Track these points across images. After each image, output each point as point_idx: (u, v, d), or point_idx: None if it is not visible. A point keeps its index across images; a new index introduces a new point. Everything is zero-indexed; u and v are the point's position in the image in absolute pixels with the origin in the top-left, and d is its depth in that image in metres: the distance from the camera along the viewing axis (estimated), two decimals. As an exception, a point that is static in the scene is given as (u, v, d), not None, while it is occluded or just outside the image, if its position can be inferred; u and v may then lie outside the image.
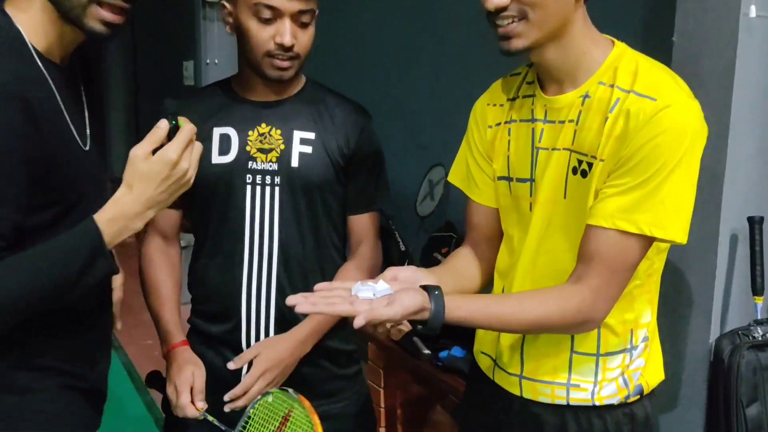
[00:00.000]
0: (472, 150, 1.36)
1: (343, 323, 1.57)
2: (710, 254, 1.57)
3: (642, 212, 1.09)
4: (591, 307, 1.13)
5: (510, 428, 1.30)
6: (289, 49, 1.41)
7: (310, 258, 1.54)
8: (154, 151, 1.11)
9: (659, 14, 1.86)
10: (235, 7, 1.43)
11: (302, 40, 1.43)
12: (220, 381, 1.49)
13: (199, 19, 4.55)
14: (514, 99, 1.30)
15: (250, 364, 1.49)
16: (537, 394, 1.27)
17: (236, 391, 1.46)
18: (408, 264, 2.54)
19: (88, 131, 1.23)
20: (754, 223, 1.57)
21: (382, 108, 2.39)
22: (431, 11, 2.88)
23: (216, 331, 1.56)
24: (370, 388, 1.94)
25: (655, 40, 1.74)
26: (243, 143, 1.51)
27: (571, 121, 1.18)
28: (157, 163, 1.11)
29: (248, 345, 1.53)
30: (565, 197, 1.19)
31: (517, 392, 1.29)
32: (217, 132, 1.52)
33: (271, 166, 1.50)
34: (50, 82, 1.13)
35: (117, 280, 1.47)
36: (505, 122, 1.30)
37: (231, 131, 1.52)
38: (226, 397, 1.46)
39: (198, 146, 1.17)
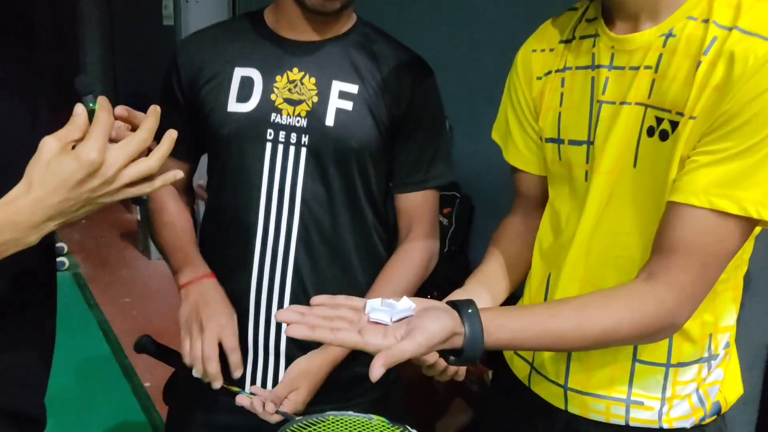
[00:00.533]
0: (515, 107, 1.11)
1: None
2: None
3: (747, 188, 0.83)
4: (673, 311, 0.88)
5: None
6: None
7: (342, 243, 1.26)
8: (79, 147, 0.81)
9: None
10: None
11: None
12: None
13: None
14: (569, 41, 1.04)
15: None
16: (587, 410, 1.02)
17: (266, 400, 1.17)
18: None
19: None
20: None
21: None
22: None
23: None
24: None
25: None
26: (268, 90, 1.22)
27: (647, 67, 0.92)
28: (72, 163, 0.80)
29: (255, 339, 1.27)
30: (635, 165, 0.93)
31: (561, 405, 1.04)
32: (238, 73, 1.24)
33: (298, 121, 1.22)
34: None
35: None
36: (557, 70, 1.04)
37: (255, 73, 1.23)
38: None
39: (137, 140, 0.83)
